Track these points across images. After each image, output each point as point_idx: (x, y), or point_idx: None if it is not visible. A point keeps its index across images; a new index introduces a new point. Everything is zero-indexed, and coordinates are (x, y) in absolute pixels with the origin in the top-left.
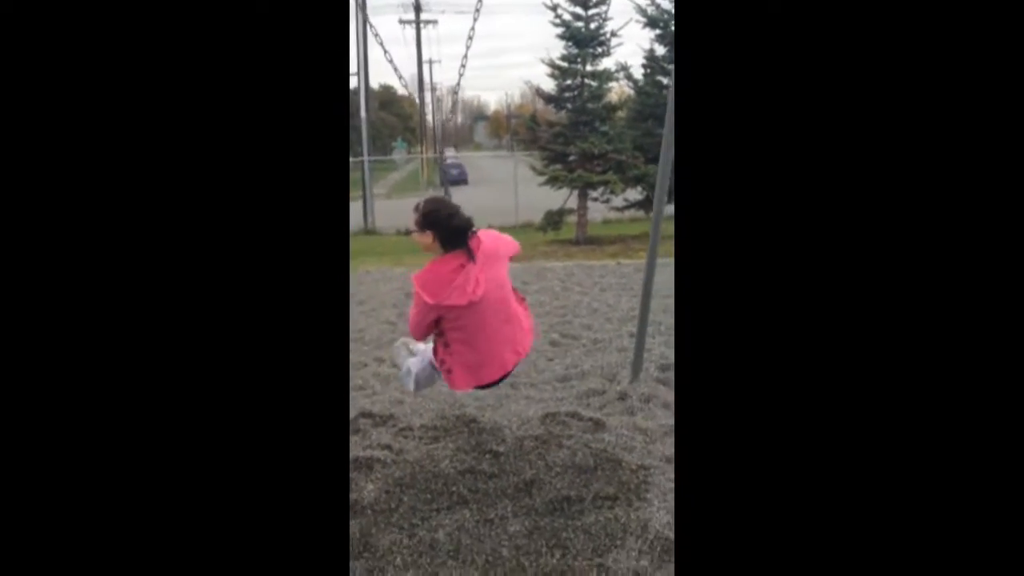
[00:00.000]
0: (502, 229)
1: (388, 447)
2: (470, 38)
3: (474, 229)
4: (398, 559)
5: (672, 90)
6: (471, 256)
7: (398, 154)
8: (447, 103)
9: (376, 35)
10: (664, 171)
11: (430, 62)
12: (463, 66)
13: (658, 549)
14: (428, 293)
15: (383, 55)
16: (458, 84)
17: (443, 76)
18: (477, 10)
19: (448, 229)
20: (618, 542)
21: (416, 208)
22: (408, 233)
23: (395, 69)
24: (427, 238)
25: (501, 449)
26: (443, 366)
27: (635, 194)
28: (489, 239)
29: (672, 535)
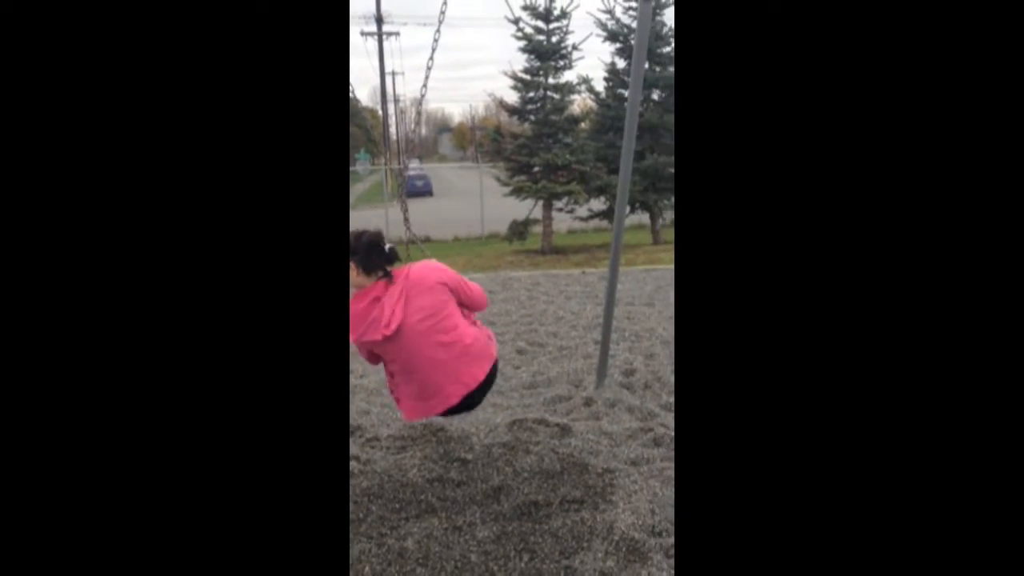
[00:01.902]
0: (468, 240)
1: (356, 458)
2: (435, 40)
3: (389, 245)
4: (367, 568)
5: (630, 102)
6: (389, 276)
7: (361, 166)
8: (411, 114)
9: None
10: (624, 182)
11: (392, 74)
12: (428, 67)
13: (624, 550)
14: (351, 332)
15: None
16: (423, 90)
17: (406, 88)
18: (439, 21)
19: (362, 247)
20: (584, 544)
21: None
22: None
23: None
24: (353, 272)
25: (469, 457)
26: (392, 395)
27: (599, 204)
28: (417, 268)
29: (637, 535)
